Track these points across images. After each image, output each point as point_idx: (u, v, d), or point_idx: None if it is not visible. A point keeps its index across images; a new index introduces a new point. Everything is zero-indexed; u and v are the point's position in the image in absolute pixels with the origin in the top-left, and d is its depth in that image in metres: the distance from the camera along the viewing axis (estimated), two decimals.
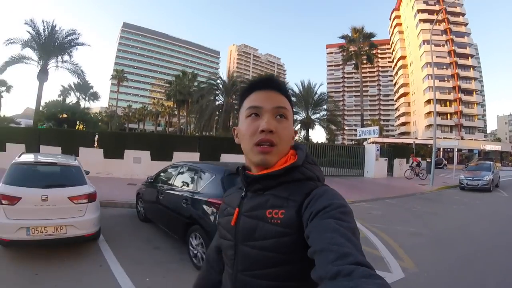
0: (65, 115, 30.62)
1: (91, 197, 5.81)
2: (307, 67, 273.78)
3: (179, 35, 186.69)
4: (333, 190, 1.08)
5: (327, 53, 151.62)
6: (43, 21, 26.61)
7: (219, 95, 41.91)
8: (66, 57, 27.96)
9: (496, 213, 10.85)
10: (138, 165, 17.08)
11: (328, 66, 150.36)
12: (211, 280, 1.42)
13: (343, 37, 44.79)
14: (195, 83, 49.66)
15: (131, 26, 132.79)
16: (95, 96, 46.51)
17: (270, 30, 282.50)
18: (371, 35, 44.20)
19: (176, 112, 75.71)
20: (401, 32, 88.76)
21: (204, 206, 5.39)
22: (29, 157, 6.51)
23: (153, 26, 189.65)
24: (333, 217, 0.92)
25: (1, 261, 5.17)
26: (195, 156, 17.31)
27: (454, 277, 5.40)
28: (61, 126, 29.67)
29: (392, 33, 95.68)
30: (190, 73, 50.46)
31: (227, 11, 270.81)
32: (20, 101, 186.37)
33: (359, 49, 43.47)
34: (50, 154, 8.70)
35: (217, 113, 40.03)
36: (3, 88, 49.25)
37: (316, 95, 37.50)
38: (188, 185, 6.42)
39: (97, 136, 18.32)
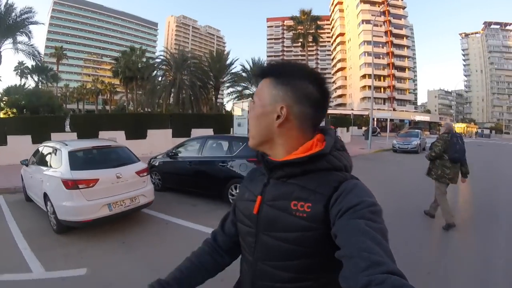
0: (23, 102, 29.60)
1: (147, 171, 7.17)
2: (247, 40, 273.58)
3: (114, 6, 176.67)
4: (362, 185, 1.05)
5: (268, 27, 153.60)
6: None
7: (170, 70, 42.34)
8: (22, 38, 26.91)
9: (419, 168, 12.66)
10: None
11: (268, 39, 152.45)
12: (214, 260, 1.36)
13: (292, 18, 49.24)
14: (144, 59, 49.30)
15: None
16: (55, 78, 44.20)
17: (209, 1, 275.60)
18: (318, 17, 48.16)
19: (117, 90, 74.35)
20: (341, 11, 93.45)
21: (245, 163, 7.59)
22: (74, 144, 6.85)
23: None
24: (363, 217, 0.90)
25: (88, 235, 6.05)
26: (168, 133, 18.83)
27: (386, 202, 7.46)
28: (22, 113, 28.72)
29: (333, 10, 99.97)
30: (139, 48, 49.76)
31: None
32: None
33: (306, 30, 46.83)
34: (85, 140, 8.99)
35: (171, 89, 40.65)
36: None
37: None
38: (221, 152, 8.55)
39: (68, 120, 18.56)
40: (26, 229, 6.50)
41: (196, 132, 17.93)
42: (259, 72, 1.21)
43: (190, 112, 39.51)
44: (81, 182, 5.83)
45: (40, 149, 7.91)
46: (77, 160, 6.30)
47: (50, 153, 7.03)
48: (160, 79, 43.51)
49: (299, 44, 52.39)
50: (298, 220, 1.03)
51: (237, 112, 15.38)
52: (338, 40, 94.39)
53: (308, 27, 48.42)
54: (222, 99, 69.00)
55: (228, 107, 72.36)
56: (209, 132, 17.80)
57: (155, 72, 44.02)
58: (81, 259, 5.05)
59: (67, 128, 18.16)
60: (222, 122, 20.60)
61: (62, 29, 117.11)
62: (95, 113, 47.47)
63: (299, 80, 1.12)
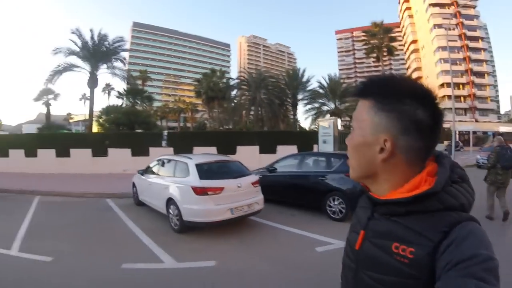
0: (123, 118, 33.16)
1: (258, 182, 8.26)
2: (317, 54, 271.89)
3: (188, 30, 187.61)
4: (479, 231, 0.89)
5: (337, 39, 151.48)
6: (90, 30, 28.37)
7: (249, 90, 44.33)
8: (117, 63, 29.91)
9: None
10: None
11: (338, 52, 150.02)
12: None
13: (365, 31, 49.30)
14: (224, 80, 52.06)
15: (141, 25, 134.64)
16: (149, 99, 49.26)
17: (277, 18, 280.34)
18: (390, 29, 47.96)
19: (198, 108, 79.15)
20: (410, 16, 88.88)
21: (343, 178, 8.45)
22: (197, 158, 8.13)
23: (162, 23, 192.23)
24: (474, 276, 0.77)
25: (208, 234, 7.21)
26: (255, 149, 19.92)
27: None
28: (119, 129, 32.11)
29: (402, 17, 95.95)
30: (219, 70, 52.97)
31: (233, 2, 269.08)
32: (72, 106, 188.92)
33: (380, 42, 46.49)
34: (204, 154, 10.45)
35: (252, 107, 42.48)
36: (51, 96, 53.91)
37: (343, 87, 40.51)
38: (320, 167, 9.69)
39: (165, 136, 20.69)
40: (145, 228, 7.84)
41: (281, 149, 18.82)
42: (358, 92, 1.09)
43: (265, 129, 41.30)
44: (209, 189, 7.05)
45: (158, 161, 9.54)
46: (203, 171, 7.50)
47: (173, 165, 8.41)
48: (239, 98, 45.73)
49: (374, 57, 51.67)
50: (399, 265, 0.94)
51: (322, 129, 15.79)
52: (411, 48, 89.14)
53: (381, 39, 48.08)
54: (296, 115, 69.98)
55: (304, 123, 73.01)
56: (294, 148, 18.49)
57: (234, 91, 46.42)
58: (207, 253, 6.06)
59: (163, 143, 20.22)
60: (305, 139, 20.98)
61: (142, 53, 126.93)
62: (190, 131, 51.46)
63: (407, 104, 0.98)
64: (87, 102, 55.43)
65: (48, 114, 56.71)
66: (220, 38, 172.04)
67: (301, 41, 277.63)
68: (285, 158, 10.94)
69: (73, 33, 27.40)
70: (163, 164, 9.09)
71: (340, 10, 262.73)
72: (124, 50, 30.74)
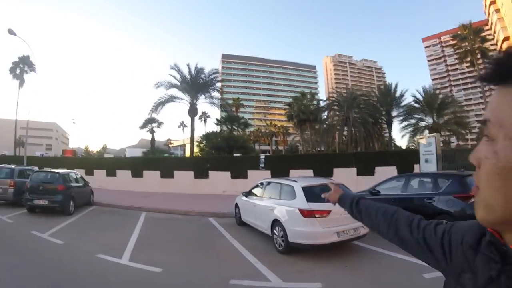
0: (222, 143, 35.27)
1: None
2: (405, 66, 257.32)
3: (274, 56, 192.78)
4: None
5: (425, 47, 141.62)
6: (187, 65, 30.58)
7: (340, 110, 43.75)
8: (214, 93, 31.89)
9: None
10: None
11: (428, 60, 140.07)
12: None
13: (454, 35, 46.28)
14: (314, 102, 52.29)
15: (229, 56, 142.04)
16: (245, 125, 52.27)
17: (359, 34, 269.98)
18: (481, 29, 44.81)
19: (289, 132, 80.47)
20: (497, 11, 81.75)
21: (451, 199, 7.78)
22: (302, 181, 8.07)
23: (248, 53, 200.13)
24: None
25: (311, 257, 7.08)
26: (352, 171, 19.22)
27: None
28: (219, 153, 33.99)
29: (488, 13, 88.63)
30: (308, 93, 53.55)
31: (316, 24, 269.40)
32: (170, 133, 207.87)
33: (472, 46, 43.30)
34: (307, 177, 10.80)
35: (344, 128, 41.87)
36: (155, 124, 59.93)
37: (439, 98, 38.07)
38: (426, 189, 8.93)
39: (263, 159, 21.29)
40: (249, 246, 7.93)
41: (379, 170, 18.07)
42: (494, 73, 0.66)
43: (359, 149, 40.19)
44: (317, 212, 6.98)
45: (262, 184, 9.65)
46: (310, 194, 7.39)
47: (278, 188, 8.44)
48: (331, 119, 45.31)
49: (467, 61, 47.74)
50: None
51: (422, 147, 14.67)
52: (504, 45, 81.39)
53: (472, 42, 44.59)
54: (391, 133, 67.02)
55: (400, 142, 69.50)
56: (393, 169, 17.26)
57: (325, 112, 46.17)
58: (312, 275, 5.99)
59: (260, 166, 21.10)
60: (404, 158, 19.50)
61: (233, 82, 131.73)
62: (286, 154, 52.66)
63: None
64: (185, 128, 59.81)
65: (152, 140, 62.92)
66: (305, 61, 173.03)
67: (388, 54, 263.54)
68: (389, 180, 10.39)
69: (172, 68, 29.90)
70: (267, 187, 9.18)
71: (422, 16, 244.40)
72: (219, 81, 32.68)
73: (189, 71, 30.40)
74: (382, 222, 1.25)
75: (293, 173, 18.26)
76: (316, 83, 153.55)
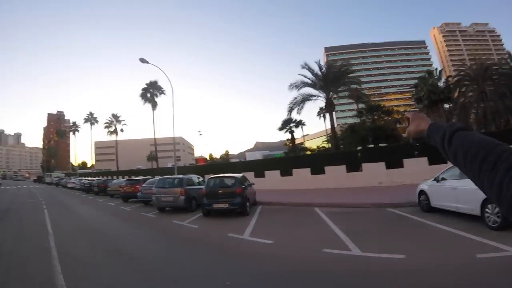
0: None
1: None
2: None
3: (377, 39, 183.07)
4: None
5: None
6: (316, 62, 30.90)
7: (471, 85, 40.50)
8: (344, 87, 31.67)
9: None
10: None
11: None
12: None
13: None
14: (442, 80, 48.92)
15: (332, 48, 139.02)
16: (387, 113, 52.11)
17: None
18: None
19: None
20: None
21: None
22: None
23: (350, 41, 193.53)
24: None
25: None
26: None
27: None
28: (365, 145, 33.90)
29: None
30: (434, 70, 50.31)
31: None
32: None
33: None
34: None
35: (481, 104, 38.38)
36: (293, 124, 61.96)
37: None
38: None
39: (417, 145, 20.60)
40: (461, 228, 8.27)
41: None
42: None
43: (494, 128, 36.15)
44: None
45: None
46: None
47: None
48: (466, 96, 41.79)
49: None
50: None
51: None
52: None
53: None
54: None
55: None
56: None
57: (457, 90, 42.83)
58: None
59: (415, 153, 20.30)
60: None
61: None
62: None
63: None
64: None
65: (292, 139, 65.05)
66: (412, 38, 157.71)
67: (498, 12, 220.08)
68: None
69: (303, 67, 30.40)
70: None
71: None
72: (350, 72, 32.22)
73: (320, 68, 30.69)
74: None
75: None
76: (429, 59, 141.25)
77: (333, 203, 14.50)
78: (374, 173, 20.26)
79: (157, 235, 10.64)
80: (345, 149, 33.84)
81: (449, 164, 16.77)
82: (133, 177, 26.38)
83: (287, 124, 60.98)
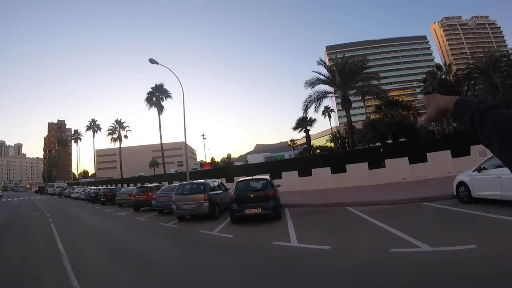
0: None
1: None
2: None
3: (378, 36, 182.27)
4: None
5: None
6: (331, 59, 29.67)
7: (481, 77, 39.85)
8: (360, 83, 30.09)
9: None
10: (483, 158, 18.25)
11: None
12: None
13: None
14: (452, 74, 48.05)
15: (334, 47, 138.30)
16: (406, 108, 51.24)
17: None
18: None
19: (420, 111, 75.97)
20: None
21: None
22: None
23: (351, 39, 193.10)
24: None
25: None
26: None
27: None
28: (384, 141, 33.01)
29: None
30: (444, 64, 49.54)
31: None
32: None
33: None
34: None
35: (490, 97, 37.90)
36: (308, 123, 60.38)
37: None
38: None
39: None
40: None
41: None
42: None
43: None
44: None
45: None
46: None
47: None
48: (477, 89, 41.18)
49: None
50: None
51: None
52: None
53: None
54: None
55: None
56: None
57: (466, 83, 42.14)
58: None
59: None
60: None
61: None
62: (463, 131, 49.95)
63: None
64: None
65: (308, 139, 63.69)
66: (411, 33, 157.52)
67: (498, 4, 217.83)
68: None
69: (319, 64, 29.91)
70: None
71: None
72: (365, 68, 31.13)
73: (336, 64, 29.93)
74: None
75: (474, 149, 17.43)
76: (430, 54, 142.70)
77: (365, 201, 13.81)
78: (397, 169, 19.58)
79: (193, 250, 9.21)
80: (365, 146, 32.65)
81: (473, 156, 16.85)
82: (147, 184, 25.19)
83: (303, 123, 59.85)
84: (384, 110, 47.00)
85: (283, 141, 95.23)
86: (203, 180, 15.31)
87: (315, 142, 79.38)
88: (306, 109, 30.20)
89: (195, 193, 13.84)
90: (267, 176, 14.51)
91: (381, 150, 21.65)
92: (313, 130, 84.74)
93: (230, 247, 8.99)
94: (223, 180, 21.54)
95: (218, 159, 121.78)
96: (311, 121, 60.05)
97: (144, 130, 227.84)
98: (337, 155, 25.77)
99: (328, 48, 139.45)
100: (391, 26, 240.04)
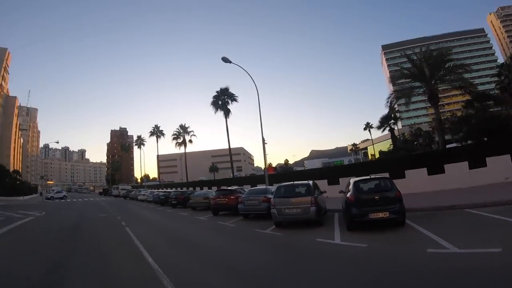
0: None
1: None
2: None
3: (435, 31, 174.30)
4: None
5: None
6: (413, 52, 29.55)
7: None
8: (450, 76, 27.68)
9: None
10: None
11: None
12: None
13: None
14: None
15: (390, 46, 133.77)
16: (499, 102, 48.14)
17: None
18: None
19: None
20: None
21: None
22: None
23: (406, 37, 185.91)
24: None
25: None
26: None
27: None
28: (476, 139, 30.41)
29: None
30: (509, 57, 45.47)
31: None
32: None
33: None
34: None
35: None
36: (392, 122, 59.11)
37: None
38: None
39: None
40: None
41: None
42: None
43: None
44: None
45: None
46: None
47: None
48: None
49: None
50: None
51: None
52: None
53: None
54: None
55: None
56: None
57: None
58: None
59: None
60: None
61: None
62: None
63: None
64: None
65: (393, 137, 61.24)
66: (469, 27, 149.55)
67: None
68: None
69: (402, 56, 31.14)
70: None
71: None
72: (452, 60, 29.26)
73: (422, 58, 27.89)
74: None
75: None
76: (491, 47, 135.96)
77: (486, 202, 12.23)
78: (500, 167, 17.65)
79: (326, 264, 6.97)
80: (463, 144, 30.24)
81: None
82: (228, 187, 24.76)
83: (387, 121, 57.78)
84: (476, 105, 43.01)
85: (338, 146, 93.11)
86: (307, 182, 13.16)
87: (376, 147, 76.38)
88: (391, 106, 29.01)
89: (299, 196, 12.17)
90: (384, 175, 13.19)
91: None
92: (373, 134, 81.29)
93: (374, 260, 6.98)
94: None
95: (274, 164, 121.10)
96: (396, 119, 57.88)
97: (203, 135, 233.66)
98: (433, 155, 23.71)
99: (384, 47, 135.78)
100: (445, 22, 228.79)
